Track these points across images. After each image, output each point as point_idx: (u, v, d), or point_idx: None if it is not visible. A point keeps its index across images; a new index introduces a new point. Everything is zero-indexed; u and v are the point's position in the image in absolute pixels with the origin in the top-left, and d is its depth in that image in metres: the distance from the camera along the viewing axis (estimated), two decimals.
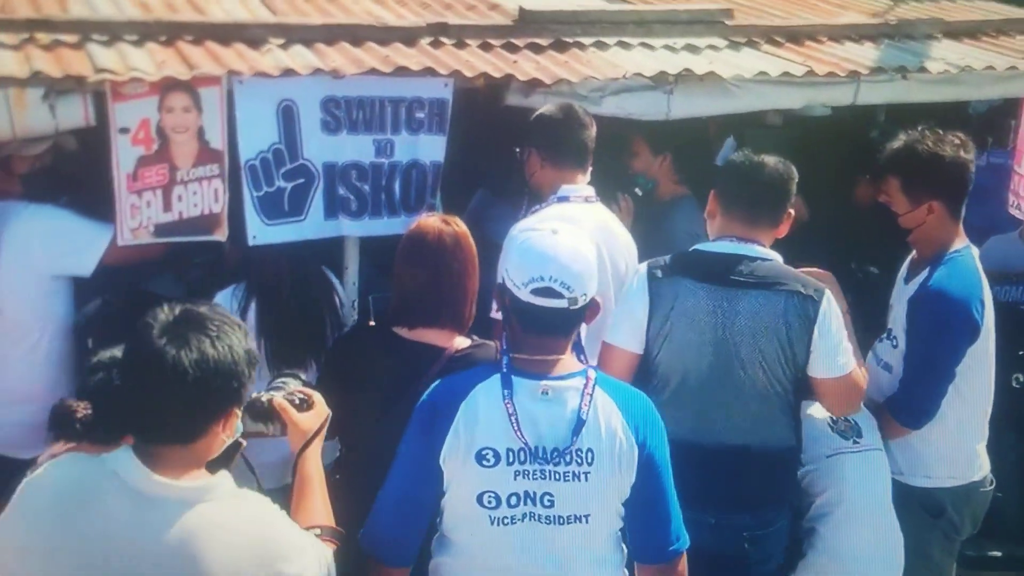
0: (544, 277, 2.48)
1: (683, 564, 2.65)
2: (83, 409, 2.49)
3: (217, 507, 2.10)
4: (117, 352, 2.56)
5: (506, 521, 2.51)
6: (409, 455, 2.57)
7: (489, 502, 2.50)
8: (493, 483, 2.49)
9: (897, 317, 3.57)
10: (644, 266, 3.30)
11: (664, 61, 4.06)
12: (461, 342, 3.01)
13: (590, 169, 3.68)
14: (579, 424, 2.48)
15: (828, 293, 3.22)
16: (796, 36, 4.45)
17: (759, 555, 3.24)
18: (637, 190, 4.27)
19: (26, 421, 3.26)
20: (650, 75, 3.92)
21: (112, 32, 3.52)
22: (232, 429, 2.20)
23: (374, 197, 3.77)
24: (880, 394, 3.57)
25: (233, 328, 2.14)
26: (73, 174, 3.69)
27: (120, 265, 3.61)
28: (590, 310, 2.56)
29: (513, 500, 2.50)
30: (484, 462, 2.48)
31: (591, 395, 2.51)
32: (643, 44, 4.21)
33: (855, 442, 3.41)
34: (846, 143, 4.67)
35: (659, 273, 3.23)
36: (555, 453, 2.48)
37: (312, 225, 3.69)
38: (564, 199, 3.57)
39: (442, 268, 3.05)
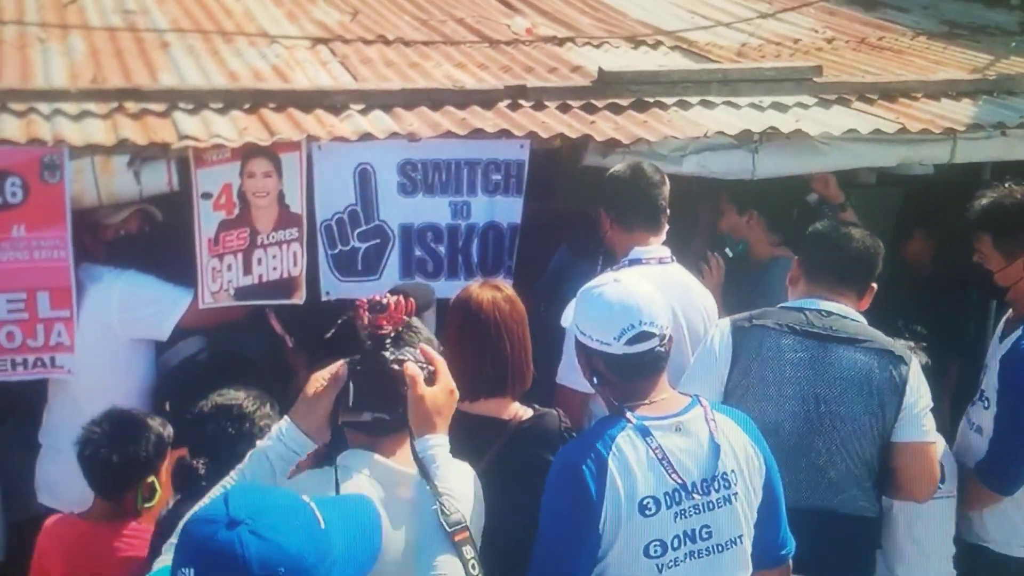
0: (634, 324, 2.48)
1: (790, 565, 2.72)
2: (202, 465, 2.65)
3: None
4: (218, 399, 2.71)
5: (671, 564, 2.47)
6: (562, 533, 2.43)
7: (655, 551, 2.45)
8: (657, 531, 2.45)
9: (990, 377, 3.38)
10: (726, 320, 3.19)
11: (749, 119, 3.97)
12: (523, 411, 2.90)
13: (665, 228, 3.54)
14: (717, 449, 2.50)
15: (915, 355, 3.10)
16: (889, 93, 4.29)
17: None
18: (728, 251, 4.12)
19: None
20: (733, 133, 3.83)
21: (198, 100, 3.62)
22: None
23: (451, 259, 3.76)
24: (972, 458, 3.36)
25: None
26: (156, 239, 3.76)
27: (198, 327, 3.65)
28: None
29: (676, 542, 2.47)
30: (647, 512, 2.43)
31: (714, 420, 2.53)
32: (728, 103, 4.12)
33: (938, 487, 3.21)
34: (949, 201, 4.44)
35: (744, 324, 3.12)
36: (704, 484, 2.49)
37: (386, 285, 3.69)
38: (636, 261, 3.44)
39: (503, 336, 2.90)
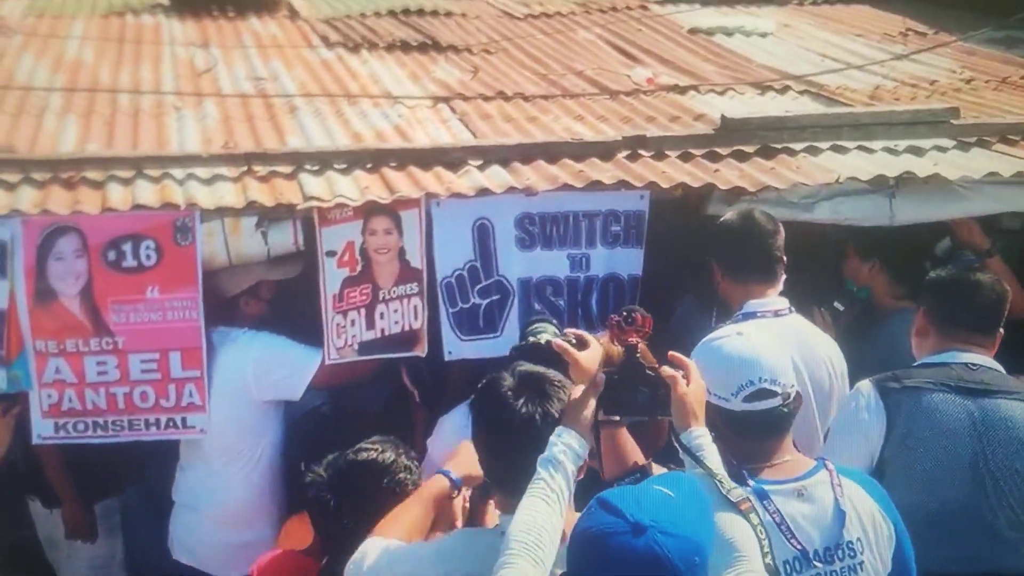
0: (754, 380, 2.38)
1: None
2: (349, 517, 2.67)
3: None
4: (356, 457, 2.75)
5: None
6: None
7: None
8: None
9: None
10: (868, 382, 2.99)
11: (883, 164, 3.80)
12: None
13: (782, 278, 3.36)
14: (842, 516, 2.37)
15: None
16: None
17: None
18: (837, 304, 3.84)
19: (233, 541, 3.32)
20: (866, 179, 3.66)
21: (322, 161, 3.71)
22: None
23: (570, 311, 3.70)
24: None
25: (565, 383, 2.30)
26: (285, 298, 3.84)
27: (328, 386, 3.69)
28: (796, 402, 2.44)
29: None
30: None
31: (840, 485, 2.41)
32: (861, 147, 3.96)
33: None
34: None
35: (893, 385, 2.94)
36: (827, 552, 2.36)
37: (507, 341, 3.64)
38: (751, 315, 3.26)
39: None
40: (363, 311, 3.60)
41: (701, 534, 1.81)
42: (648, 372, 2.29)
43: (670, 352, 2.36)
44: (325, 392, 3.85)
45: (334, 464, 2.80)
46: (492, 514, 2.59)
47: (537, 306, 3.69)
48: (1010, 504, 2.85)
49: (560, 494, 2.08)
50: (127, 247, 3.33)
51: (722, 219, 3.45)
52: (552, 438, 2.16)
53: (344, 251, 3.54)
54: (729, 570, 2.03)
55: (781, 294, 3.34)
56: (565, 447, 2.14)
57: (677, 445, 2.25)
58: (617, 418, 2.35)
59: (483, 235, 3.64)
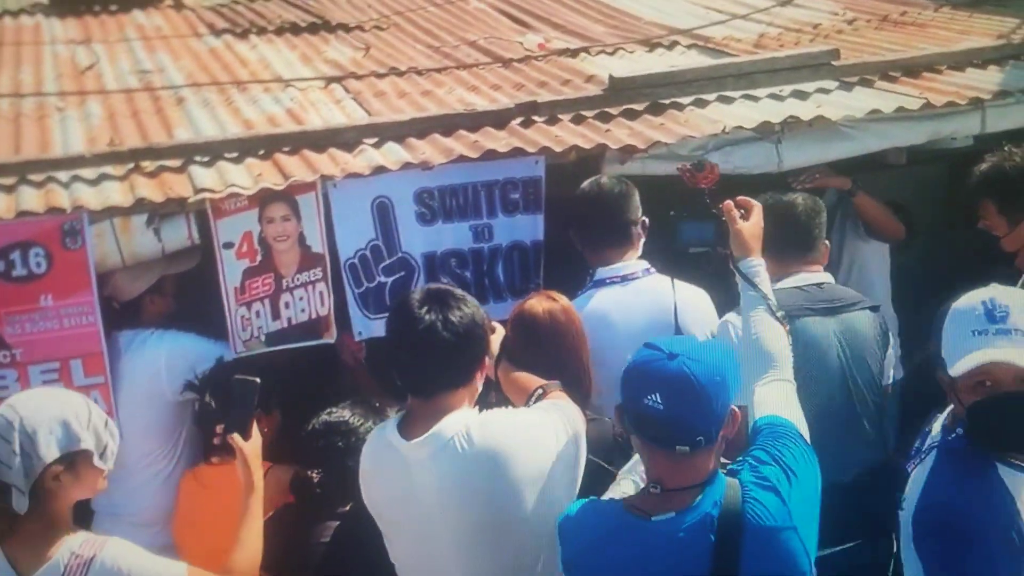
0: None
1: None
2: (316, 475, 2.92)
3: None
4: (327, 417, 2.98)
5: None
6: None
7: None
8: None
9: None
10: (735, 313, 3.03)
11: (768, 111, 3.88)
12: None
13: (638, 240, 3.40)
14: None
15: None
16: (912, 69, 4.17)
17: None
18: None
19: (157, 544, 3.27)
20: (752, 126, 3.74)
21: (213, 152, 3.65)
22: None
23: (477, 282, 3.71)
24: None
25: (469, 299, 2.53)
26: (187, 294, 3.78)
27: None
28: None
29: None
30: None
31: None
32: (746, 96, 4.04)
33: None
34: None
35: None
36: None
37: None
38: (600, 283, 3.33)
39: (563, 346, 2.92)
40: (267, 301, 3.57)
41: (723, 364, 2.16)
42: (713, 211, 2.73)
43: (739, 196, 2.72)
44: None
45: (309, 427, 3.00)
46: None
47: (443, 279, 3.69)
48: (866, 400, 3.14)
49: (768, 308, 2.53)
50: (15, 256, 3.25)
51: (578, 190, 3.49)
52: (743, 269, 2.61)
53: (242, 242, 3.49)
54: (764, 376, 2.42)
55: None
56: (757, 266, 2.61)
57: (735, 271, 2.63)
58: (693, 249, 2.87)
59: (383, 213, 3.63)
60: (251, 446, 2.67)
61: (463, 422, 2.42)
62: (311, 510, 2.98)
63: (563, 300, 3.02)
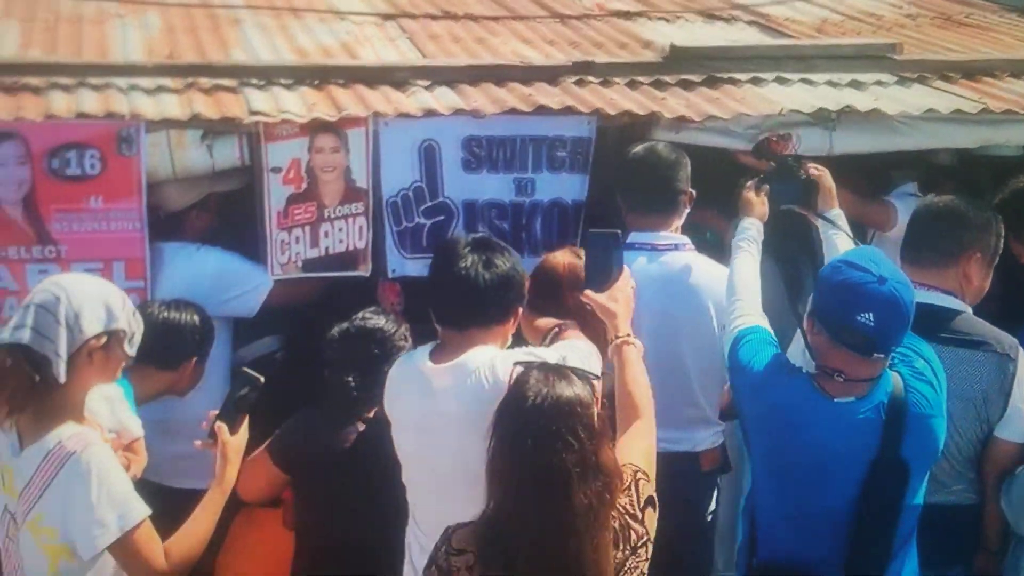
0: None
1: None
2: (353, 380, 3.05)
3: None
4: (362, 323, 3.12)
5: None
6: None
7: None
8: None
9: None
10: None
11: (825, 97, 3.86)
12: None
13: (682, 212, 3.44)
14: None
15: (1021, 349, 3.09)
16: (972, 72, 4.13)
17: None
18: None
19: (189, 453, 3.34)
20: (809, 111, 3.73)
21: (267, 76, 3.67)
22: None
23: (514, 235, 3.73)
24: None
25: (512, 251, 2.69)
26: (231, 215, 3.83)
27: (279, 305, 3.68)
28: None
29: None
30: None
31: None
32: (803, 80, 4.02)
33: None
34: None
35: None
36: None
37: None
38: (628, 246, 3.28)
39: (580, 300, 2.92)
40: (307, 229, 3.61)
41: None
42: (799, 174, 3.29)
43: (809, 164, 3.37)
44: (280, 340, 3.86)
45: (342, 331, 3.10)
46: None
47: (481, 228, 3.72)
48: (960, 443, 3.09)
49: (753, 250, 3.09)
50: (71, 155, 3.29)
51: (629, 153, 3.50)
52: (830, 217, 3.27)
53: (289, 168, 3.52)
54: None
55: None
56: (840, 215, 3.26)
57: (824, 220, 3.24)
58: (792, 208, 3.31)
59: (429, 156, 3.65)
60: (235, 441, 2.72)
61: (489, 356, 2.52)
62: (341, 413, 3.07)
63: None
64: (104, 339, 2.49)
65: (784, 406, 2.60)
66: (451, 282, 2.60)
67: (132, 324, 2.56)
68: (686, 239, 3.43)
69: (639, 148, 3.50)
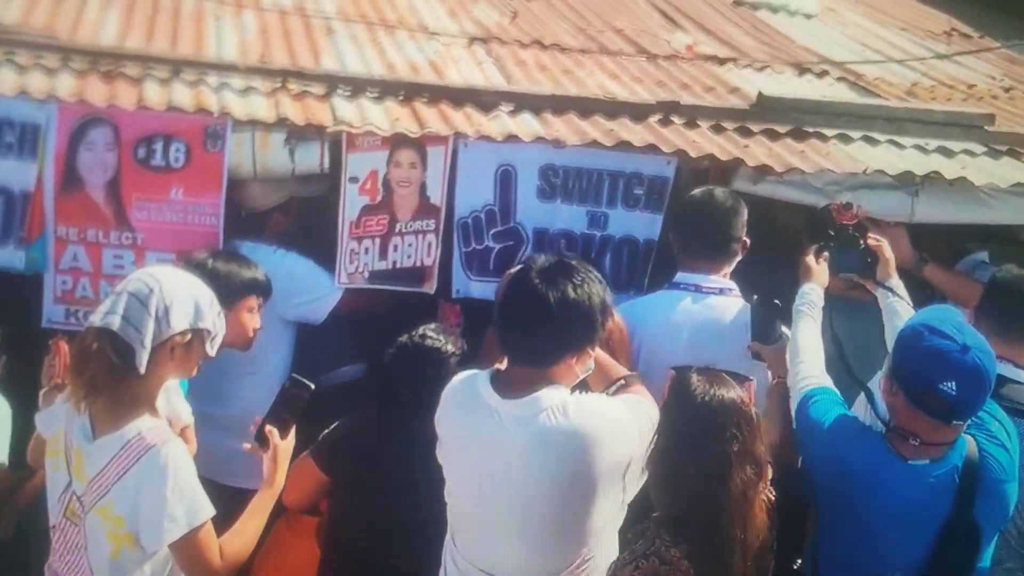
0: None
1: None
2: (408, 392, 3.03)
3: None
4: (421, 342, 3.08)
5: None
6: None
7: None
8: None
9: None
10: None
11: (912, 161, 3.80)
12: None
13: (734, 259, 3.39)
14: None
15: None
16: None
17: None
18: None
19: (236, 448, 3.32)
20: (893, 173, 3.67)
21: (356, 87, 3.71)
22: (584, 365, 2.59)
23: None
24: None
25: (594, 280, 2.54)
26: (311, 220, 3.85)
27: (344, 314, 3.69)
28: None
29: None
30: None
31: None
32: (891, 141, 3.96)
33: None
34: None
35: None
36: None
37: None
38: (674, 285, 3.34)
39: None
40: (378, 240, 3.63)
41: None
42: (860, 243, 3.33)
43: (869, 233, 3.39)
44: (366, 368, 3.89)
45: (400, 345, 3.08)
46: None
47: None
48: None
49: (815, 314, 3.09)
50: (157, 146, 3.35)
51: (688, 195, 3.48)
52: (890, 285, 3.27)
53: (367, 179, 3.56)
54: None
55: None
56: (899, 284, 3.28)
57: (884, 288, 3.27)
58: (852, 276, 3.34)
59: (505, 180, 3.66)
60: (284, 445, 2.72)
61: (561, 397, 2.47)
62: (388, 421, 3.07)
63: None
64: (189, 336, 2.53)
65: (857, 466, 2.58)
66: (519, 314, 2.52)
67: (217, 324, 2.59)
68: (733, 284, 3.39)
69: (697, 191, 3.47)
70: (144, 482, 2.43)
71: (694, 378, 2.48)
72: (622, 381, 2.73)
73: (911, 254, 3.77)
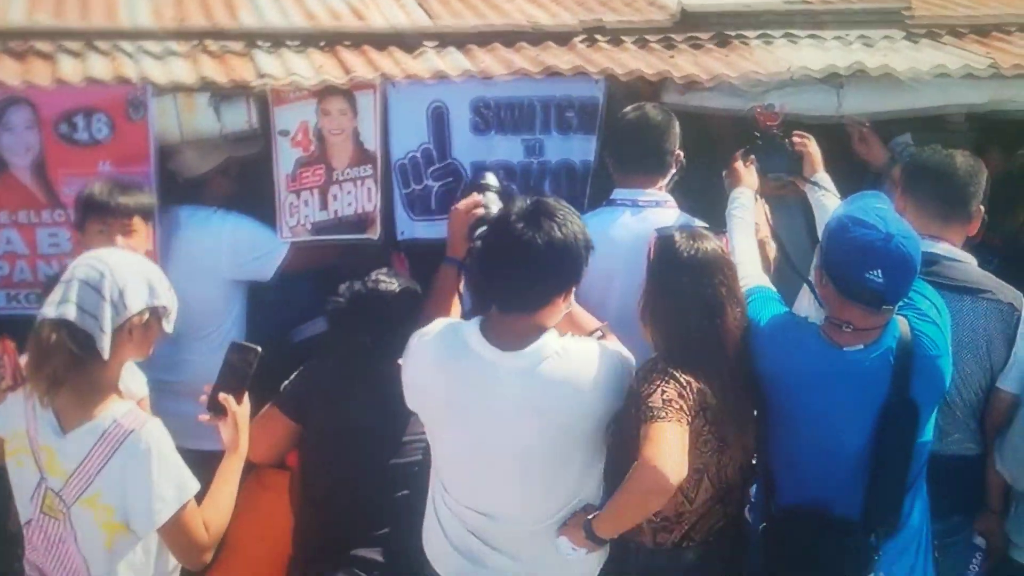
0: None
1: None
2: (370, 341, 3.04)
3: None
4: (375, 287, 3.09)
5: None
6: None
7: None
8: None
9: None
10: None
11: (835, 56, 3.83)
12: None
13: (668, 173, 3.45)
14: None
15: None
16: (983, 29, 4.11)
17: None
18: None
19: (196, 412, 3.34)
20: (818, 68, 3.71)
21: (276, 39, 3.67)
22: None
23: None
24: None
25: (574, 214, 2.58)
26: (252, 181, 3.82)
27: (295, 271, 3.69)
28: None
29: None
30: None
31: None
32: (812, 36, 3.99)
33: None
34: None
35: None
36: None
37: None
38: (611, 203, 3.41)
39: None
40: (316, 192, 3.62)
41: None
42: (785, 144, 3.40)
43: (795, 132, 3.47)
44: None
45: (355, 292, 3.08)
46: None
47: None
48: (960, 391, 3.12)
49: (747, 217, 3.17)
50: (79, 120, 3.30)
51: (620, 114, 3.52)
52: (818, 180, 3.39)
53: (298, 131, 3.53)
54: None
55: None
56: (826, 178, 3.37)
57: (812, 184, 3.38)
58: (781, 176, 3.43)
59: (438, 119, 3.65)
60: (241, 410, 2.69)
61: (558, 344, 2.54)
62: (351, 366, 3.07)
63: None
64: (146, 315, 2.51)
65: (795, 358, 2.65)
66: (505, 262, 2.53)
67: (170, 300, 2.57)
68: (668, 197, 3.45)
69: (628, 109, 3.51)
70: (129, 468, 2.42)
71: (677, 236, 2.75)
72: (599, 332, 2.80)
73: (883, 154, 3.87)
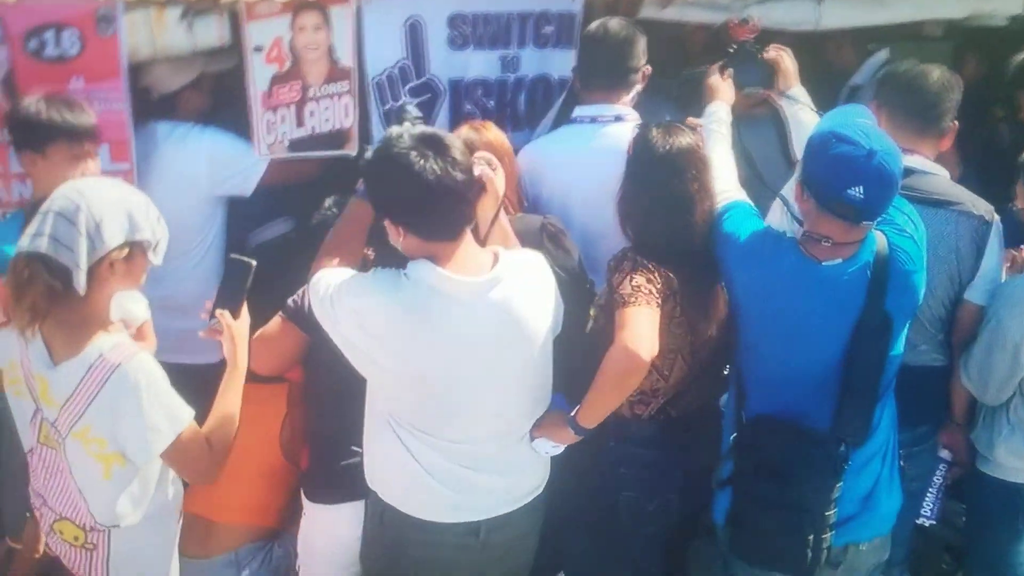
0: None
1: None
2: (371, 252, 2.87)
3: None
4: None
5: None
6: None
7: None
8: None
9: None
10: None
11: None
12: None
13: (633, 87, 3.42)
14: None
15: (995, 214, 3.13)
16: None
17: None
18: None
19: (179, 327, 3.38)
20: None
21: None
22: None
23: (499, 112, 3.73)
24: None
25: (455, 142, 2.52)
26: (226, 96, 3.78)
27: (276, 184, 3.68)
28: None
29: None
30: None
31: None
32: None
33: None
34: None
35: None
36: None
37: None
38: (572, 120, 3.41)
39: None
40: (293, 108, 3.59)
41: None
42: (759, 57, 3.41)
43: (772, 45, 3.47)
44: (294, 221, 3.85)
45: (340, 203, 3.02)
46: None
47: (468, 106, 3.71)
48: (928, 303, 3.11)
49: (724, 131, 3.17)
50: (49, 36, 3.24)
51: (584, 30, 3.49)
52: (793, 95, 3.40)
53: (272, 47, 3.48)
54: None
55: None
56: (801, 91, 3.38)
57: (787, 98, 3.39)
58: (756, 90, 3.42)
59: (414, 34, 3.61)
60: (239, 325, 2.65)
61: (512, 259, 2.58)
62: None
63: (488, 133, 3.07)
64: (126, 250, 2.45)
65: (773, 272, 2.69)
66: (427, 195, 2.42)
67: (157, 231, 2.50)
68: (630, 111, 3.42)
69: (592, 25, 3.47)
70: (118, 401, 2.41)
71: (653, 131, 2.83)
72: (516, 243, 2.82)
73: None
